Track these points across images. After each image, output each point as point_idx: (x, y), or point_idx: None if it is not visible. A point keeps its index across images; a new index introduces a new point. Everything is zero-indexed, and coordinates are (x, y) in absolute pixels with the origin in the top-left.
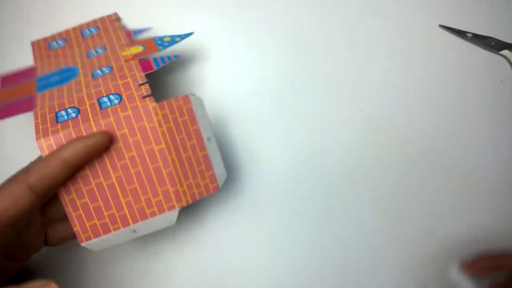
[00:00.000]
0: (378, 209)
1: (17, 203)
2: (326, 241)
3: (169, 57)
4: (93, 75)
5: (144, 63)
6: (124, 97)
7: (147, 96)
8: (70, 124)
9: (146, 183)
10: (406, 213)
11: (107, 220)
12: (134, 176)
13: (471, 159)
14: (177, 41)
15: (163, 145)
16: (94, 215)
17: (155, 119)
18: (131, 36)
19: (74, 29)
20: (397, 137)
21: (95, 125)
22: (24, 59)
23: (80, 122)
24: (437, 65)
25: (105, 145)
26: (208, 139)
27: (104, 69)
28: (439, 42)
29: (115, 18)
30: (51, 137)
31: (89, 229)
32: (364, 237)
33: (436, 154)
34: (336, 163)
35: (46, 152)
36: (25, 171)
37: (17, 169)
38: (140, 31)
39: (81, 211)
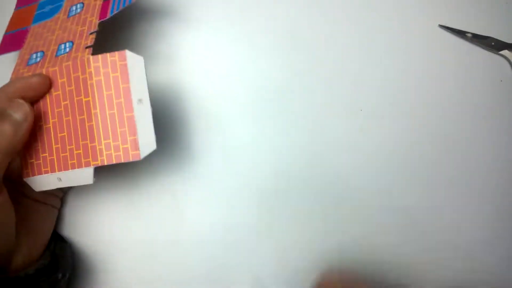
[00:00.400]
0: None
1: None
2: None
3: (124, 2)
4: (68, 13)
5: (103, 7)
6: (74, 45)
7: (88, 47)
8: (32, 69)
9: (72, 133)
10: (409, 213)
11: (41, 161)
12: (65, 125)
13: (470, 159)
14: None
15: (90, 98)
16: (33, 155)
17: (87, 71)
18: None
19: None
20: (396, 136)
21: (44, 73)
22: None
23: (38, 68)
24: (437, 65)
25: (41, 85)
26: (140, 101)
27: (78, 6)
28: (439, 42)
29: None
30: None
31: (29, 167)
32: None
33: (435, 154)
34: (328, 163)
35: None
36: None
37: None
38: None
39: (26, 148)
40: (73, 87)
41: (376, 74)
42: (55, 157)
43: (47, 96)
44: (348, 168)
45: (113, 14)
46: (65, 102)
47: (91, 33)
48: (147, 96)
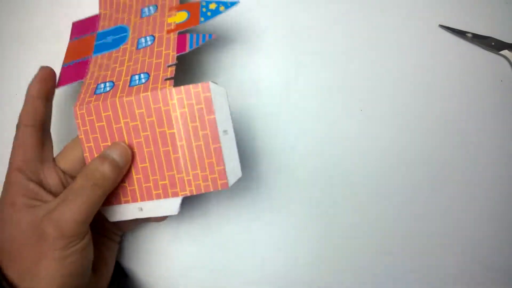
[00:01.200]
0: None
1: None
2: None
3: (204, 37)
4: (137, 45)
5: (180, 41)
6: (151, 77)
7: (169, 78)
8: (101, 98)
9: (155, 164)
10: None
11: (120, 191)
12: (146, 155)
13: (470, 159)
14: (221, 11)
15: (175, 130)
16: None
17: (170, 102)
18: None
19: None
20: (396, 136)
21: (119, 102)
22: (25, 60)
23: (109, 97)
24: (437, 65)
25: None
26: (225, 132)
27: (148, 38)
28: (439, 42)
29: None
30: (84, 107)
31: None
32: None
33: (435, 154)
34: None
35: (79, 119)
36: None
37: None
38: None
39: None
40: (153, 118)
41: (375, 74)
42: (136, 187)
43: (123, 126)
44: (349, 169)
45: (192, 48)
46: (145, 133)
47: (169, 66)
48: (231, 126)
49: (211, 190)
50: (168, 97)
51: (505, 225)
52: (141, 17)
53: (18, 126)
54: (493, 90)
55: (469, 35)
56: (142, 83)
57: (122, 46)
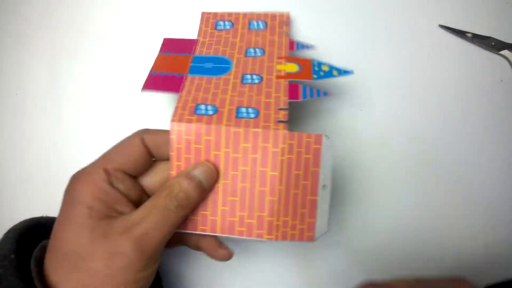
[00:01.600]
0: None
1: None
2: None
3: (318, 93)
4: (242, 79)
5: (292, 88)
6: (261, 114)
7: (282, 121)
8: (204, 120)
9: (247, 201)
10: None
11: (199, 218)
12: (239, 190)
13: (470, 159)
14: (334, 76)
15: (277, 173)
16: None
17: (280, 146)
18: (293, 48)
19: (244, 15)
20: (396, 136)
21: (225, 129)
22: (25, 60)
23: (213, 122)
24: (437, 65)
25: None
26: (324, 186)
27: (254, 77)
28: (439, 42)
29: (286, 20)
30: (183, 124)
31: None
32: None
33: (436, 153)
34: None
35: (175, 135)
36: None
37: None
38: (303, 47)
39: None
40: (258, 155)
41: (375, 74)
42: (219, 218)
43: (222, 155)
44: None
45: (306, 99)
46: (245, 168)
47: (281, 109)
48: (330, 182)
49: (296, 240)
50: (280, 140)
51: (504, 223)
52: (246, 55)
53: (132, 135)
54: (493, 90)
55: (469, 35)
56: (251, 118)
57: (224, 76)
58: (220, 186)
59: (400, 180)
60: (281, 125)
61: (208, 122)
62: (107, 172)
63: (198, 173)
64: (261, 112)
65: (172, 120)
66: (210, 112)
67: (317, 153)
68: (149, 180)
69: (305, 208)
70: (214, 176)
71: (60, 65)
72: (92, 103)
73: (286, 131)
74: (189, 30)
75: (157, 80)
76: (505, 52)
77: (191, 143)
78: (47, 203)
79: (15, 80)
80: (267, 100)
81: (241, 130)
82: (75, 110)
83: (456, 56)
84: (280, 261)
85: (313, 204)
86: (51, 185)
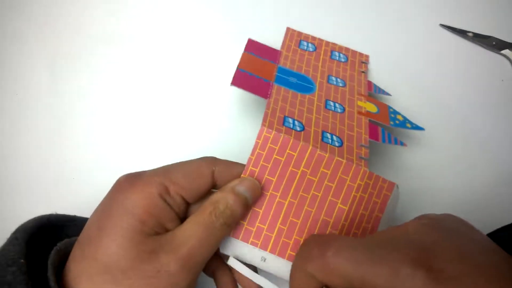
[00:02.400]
0: None
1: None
2: None
3: (396, 140)
4: (326, 105)
5: (372, 128)
6: (344, 145)
7: (364, 159)
8: (293, 134)
9: (307, 226)
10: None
11: (253, 229)
12: (303, 213)
13: (471, 159)
14: (407, 127)
15: (346, 208)
16: (247, 218)
17: (357, 182)
18: (371, 89)
19: (327, 43)
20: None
21: (311, 150)
22: (25, 60)
23: (301, 138)
24: (438, 64)
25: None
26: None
27: (337, 105)
28: (440, 42)
29: (365, 60)
30: (273, 132)
31: (238, 229)
32: None
33: (436, 153)
34: None
35: (261, 140)
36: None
37: None
38: (380, 91)
39: None
40: (333, 185)
41: (376, 74)
42: (273, 235)
43: (299, 174)
44: None
45: (384, 143)
46: (316, 193)
47: (362, 145)
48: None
49: None
50: (359, 176)
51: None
52: (328, 82)
53: (203, 162)
54: (494, 89)
55: (470, 34)
56: (336, 146)
57: (308, 95)
58: (286, 203)
59: (399, 181)
60: (363, 162)
61: (296, 137)
62: (167, 191)
63: (244, 190)
64: (345, 143)
65: (263, 125)
66: (298, 128)
67: (385, 200)
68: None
69: None
70: (259, 192)
71: (60, 64)
72: (92, 103)
73: (367, 169)
74: (189, 30)
75: (246, 79)
76: (506, 51)
77: (273, 153)
78: (47, 203)
79: (15, 80)
80: (350, 133)
81: (327, 155)
82: (75, 110)
83: (457, 55)
84: None
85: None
86: (51, 185)
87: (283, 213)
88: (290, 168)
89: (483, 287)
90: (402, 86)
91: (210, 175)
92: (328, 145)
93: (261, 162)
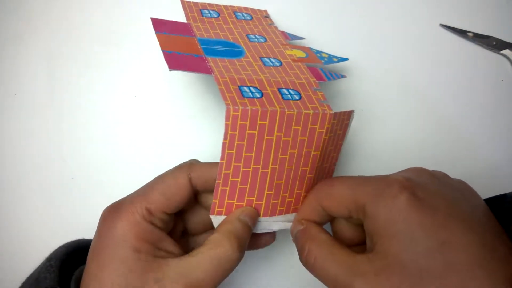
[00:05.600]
0: None
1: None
2: None
3: (337, 75)
4: (263, 63)
5: (314, 71)
6: (302, 95)
7: (325, 102)
8: (257, 103)
9: (290, 182)
10: None
11: (243, 204)
12: (285, 173)
13: (471, 158)
14: (335, 62)
15: (319, 153)
16: (235, 195)
17: (326, 126)
18: (287, 37)
19: (225, 6)
20: (396, 136)
21: (280, 113)
22: (23, 60)
23: (267, 104)
24: (438, 64)
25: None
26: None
27: (272, 59)
28: (440, 42)
29: (265, 15)
30: (240, 108)
31: (224, 206)
32: None
33: (436, 153)
34: None
35: (230, 121)
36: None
37: None
38: (294, 37)
39: (228, 188)
40: (306, 137)
41: (376, 73)
42: (263, 202)
43: (275, 140)
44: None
45: (330, 80)
46: (293, 151)
47: (316, 89)
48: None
49: None
50: (326, 121)
51: None
52: (250, 41)
53: (178, 171)
54: (494, 89)
55: (470, 34)
56: (297, 99)
57: (243, 58)
58: (269, 171)
59: None
60: (326, 105)
61: (262, 105)
62: (149, 212)
63: (248, 218)
64: (302, 94)
65: (227, 104)
66: (258, 95)
67: (345, 128)
68: (192, 217)
69: (326, 174)
70: (255, 214)
71: (58, 65)
72: (91, 103)
73: (332, 111)
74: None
75: (180, 60)
76: (506, 51)
77: (245, 129)
78: (47, 203)
79: (13, 80)
80: (300, 81)
81: (295, 112)
82: (74, 110)
83: (457, 55)
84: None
85: (331, 171)
86: (51, 185)
87: (268, 180)
88: (265, 138)
89: (458, 217)
90: (402, 86)
91: (188, 184)
92: (290, 101)
93: (236, 142)
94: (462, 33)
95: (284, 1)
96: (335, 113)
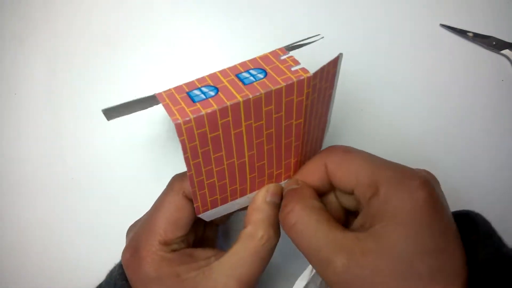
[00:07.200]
0: None
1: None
2: None
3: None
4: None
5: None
6: (268, 70)
7: (298, 67)
8: (213, 103)
9: (274, 158)
10: None
11: (228, 194)
12: (265, 153)
13: (472, 158)
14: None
15: (302, 120)
16: (217, 191)
17: (305, 92)
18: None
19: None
20: (397, 135)
21: (243, 101)
22: (23, 60)
23: (225, 100)
24: (438, 64)
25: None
26: (333, 100)
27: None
28: (440, 41)
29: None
30: (191, 117)
31: (209, 203)
32: None
33: (436, 153)
34: None
35: (185, 136)
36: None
37: None
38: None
39: (206, 190)
40: (282, 113)
41: (376, 73)
42: (248, 185)
43: (244, 130)
44: None
45: (299, 42)
46: (269, 131)
47: (285, 56)
48: (335, 92)
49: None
50: (304, 86)
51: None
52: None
53: (171, 191)
54: (494, 89)
55: (470, 34)
56: (261, 79)
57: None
58: (246, 160)
59: None
60: (300, 70)
61: (220, 103)
62: (165, 244)
63: (275, 197)
64: (267, 69)
65: (175, 120)
66: (212, 93)
67: (332, 78)
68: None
69: (319, 128)
70: (281, 190)
71: (58, 64)
72: (90, 103)
73: (309, 74)
74: (188, 30)
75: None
76: (506, 51)
77: (206, 134)
78: (47, 203)
79: (13, 80)
80: (263, 56)
81: (262, 94)
82: (73, 110)
83: (457, 55)
84: None
85: (325, 122)
86: (50, 185)
87: (247, 167)
88: (232, 132)
89: (452, 227)
90: (403, 86)
91: (186, 202)
92: (254, 83)
93: (199, 151)
94: (462, 33)
95: (284, 1)
96: (315, 73)
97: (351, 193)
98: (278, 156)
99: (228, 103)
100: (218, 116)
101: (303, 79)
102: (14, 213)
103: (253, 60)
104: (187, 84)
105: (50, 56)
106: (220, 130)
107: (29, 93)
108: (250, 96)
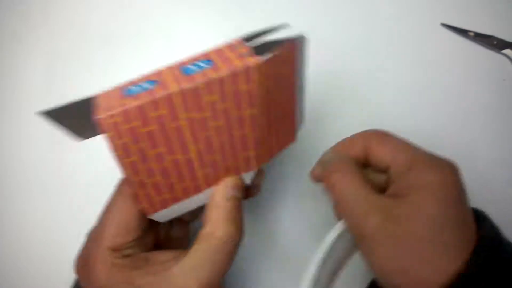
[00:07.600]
0: None
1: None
2: None
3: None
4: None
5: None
6: (216, 60)
7: (248, 54)
8: (144, 97)
9: (228, 152)
10: None
11: (179, 192)
12: (217, 147)
13: (472, 158)
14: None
15: (255, 109)
16: (164, 191)
17: (256, 79)
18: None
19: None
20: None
21: (178, 94)
22: (22, 59)
23: (158, 92)
24: (439, 64)
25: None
26: (299, 87)
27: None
28: (441, 41)
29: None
30: (118, 112)
31: (157, 203)
32: None
33: (437, 153)
34: None
35: (112, 132)
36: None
37: None
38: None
39: (150, 190)
40: (230, 103)
41: (377, 73)
42: (201, 181)
43: (185, 124)
44: None
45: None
46: (217, 123)
47: (237, 46)
48: (303, 77)
49: (281, 150)
50: (253, 73)
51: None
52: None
53: (119, 196)
54: (495, 89)
55: (471, 33)
56: (205, 68)
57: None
58: (193, 155)
59: None
60: (249, 58)
61: (152, 95)
62: (115, 250)
63: (235, 191)
64: (215, 59)
65: (98, 116)
66: (150, 86)
67: (292, 62)
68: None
69: (285, 118)
70: (242, 183)
71: (57, 64)
72: None
73: (261, 60)
74: (188, 31)
75: None
76: (507, 51)
77: (138, 129)
78: (46, 203)
79: (12, 79)
80: (216, 48)
81: (201, 84)
82: None
83: (458, 55)
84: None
85: (292, 111)
86: (50, 185)
87: (196, 164)
88: (170, 126)
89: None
90: (403, 86)
91: (133, 202)
92: (197, 72)
93: (132, 148)
94: (463, 32)
95: (284, 1)
96: (267, 59)
97: (385, 170)
98: (233, 149)
99: (159, 95)
100: (149, 109)
101: (251, 67)
102: (14, 213)
103: (204, 53)
104: (131, 82)
105: (49, 56)
106: (155, 125)
107: (28, 93)
108: (185, 87)
